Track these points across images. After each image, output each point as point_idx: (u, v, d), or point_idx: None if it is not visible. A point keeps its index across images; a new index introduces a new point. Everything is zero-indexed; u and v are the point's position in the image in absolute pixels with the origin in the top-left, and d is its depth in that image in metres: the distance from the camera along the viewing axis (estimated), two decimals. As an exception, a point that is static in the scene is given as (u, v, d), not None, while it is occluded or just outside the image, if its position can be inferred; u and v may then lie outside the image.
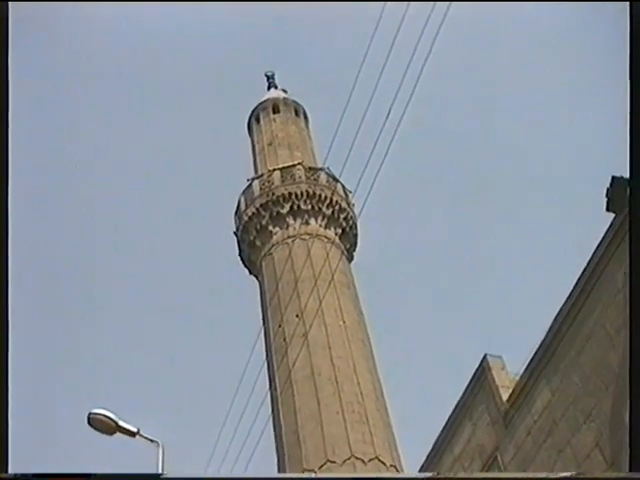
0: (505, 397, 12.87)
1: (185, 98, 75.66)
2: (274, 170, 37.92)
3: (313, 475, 21.82)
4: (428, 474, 13.34)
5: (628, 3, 7.06)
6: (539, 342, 12.23)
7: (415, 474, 12.94)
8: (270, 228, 35.74)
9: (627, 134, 9.89)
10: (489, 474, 11.45)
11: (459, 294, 72.27)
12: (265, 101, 43.54)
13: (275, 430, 29.70)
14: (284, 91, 44.33)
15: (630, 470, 7.41)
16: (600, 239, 11.22)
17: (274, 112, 42.70)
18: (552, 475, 10.30)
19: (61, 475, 5.51)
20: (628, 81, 7.05)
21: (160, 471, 14.66)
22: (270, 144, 40.88)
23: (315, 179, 37.36)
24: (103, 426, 14.93)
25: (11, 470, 6.31)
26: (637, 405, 7.26)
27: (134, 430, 15.08)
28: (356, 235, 37.17)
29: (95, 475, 5.51)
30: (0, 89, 6.06)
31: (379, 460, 27.35)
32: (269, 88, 45.18)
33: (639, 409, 7.26)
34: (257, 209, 36.41)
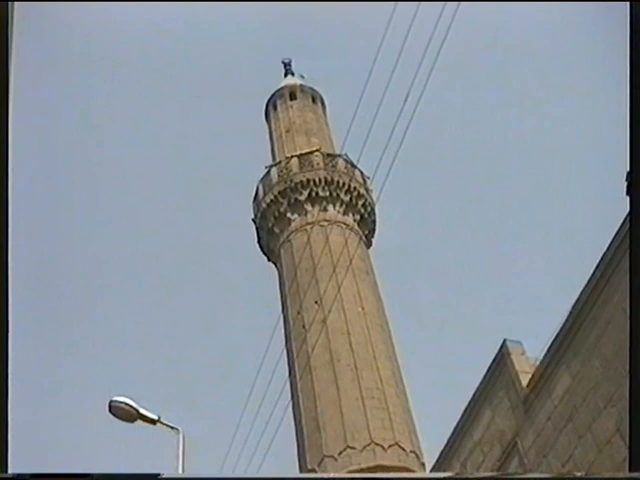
0: (525, 382, 12.85)
1: (203, 87, 75.70)
2: (292, 157, 37.91)
3: (313, 475, 21.81)
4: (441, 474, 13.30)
5: (628, 3, 7.00)
6: (559, 327, 12.19)
7: (412, 475, 12.94)
8: (288, 215, 35.75)
9: (626, 133, 9.86)
10: (495, 474, 11.39)
11: (478, 279, 72.17)
12: (282, 88, 43.49)
13: (295, 417, 29.78)
14: (302, 77, 44.27)
15: (630, 470, 7.36)
16: (620, 223, 11.16)
17: (291, 99, 42.66)
18: (555, 475, 10.25)
19: (60, 475, 5.53)
20: (628, 81, 7.00)
21: (181, 458, 14.75)
22: (287, 131, 40.86)
23: (333, 165, 37.32)
24: (124, 414, 15.03)
25: (11, 470, 6.35)
26: (637, 404, 7.22)
27: (155, 418, 15.18)
28: (374, 221, 37.14)
29: (95, 475, 5.52)
30: (1, 89, 6.07)
31: (399, 446, 27.38)
32: (286, 75, 45.13)
33: (639, 409, 7.21)
34: (275, 196, 36.42)
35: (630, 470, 7.38)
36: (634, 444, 7.24)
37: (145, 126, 75.09)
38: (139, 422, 15.20)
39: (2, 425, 6.19)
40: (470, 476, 10.78)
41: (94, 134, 69.67)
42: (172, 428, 15.23)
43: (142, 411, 15.13)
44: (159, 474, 5.44)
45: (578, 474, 9.21)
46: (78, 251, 70.39)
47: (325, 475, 20.27)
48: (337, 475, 22.40)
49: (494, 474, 9.25)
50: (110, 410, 15.07)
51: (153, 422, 15.20)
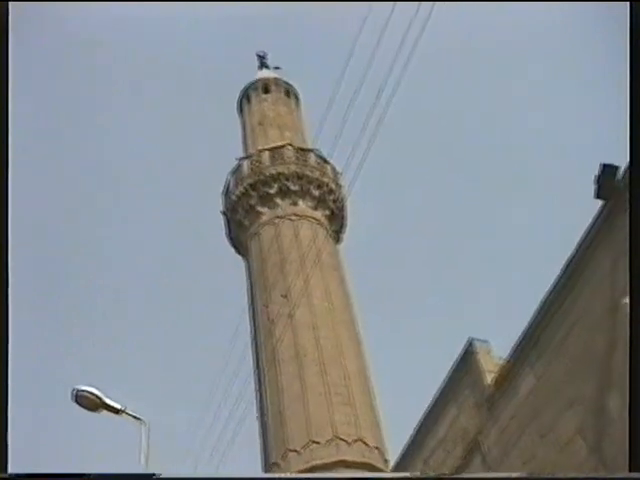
0: (490, 381, 12.94)
1: (178, 78, 75.28)
2: (263, 150, 37.84)
3: (312, 475, 21.84)
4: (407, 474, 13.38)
5: (628, 3, 7.07)
6: (525, 327, 12.29)
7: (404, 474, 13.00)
8: (258, 208, 35.69)
9: (625, 133, 9.99)
10: (494, 474, 11.48)
11: (447, 278, 72.48)
12: (256, 81, 43.39)
13: (260, 410, 29.79)
14: (277, 69, 44.17)
15: (630, 470, 7.45)
16: (589, 226, 11.26)
17: (265, 92, 42.57)
18: (557, 475, 10.36)
19: (57, 475, 5.54)
20: (628, 81, 7.08)
21: (144, 449, 14.72)
22: (260, 124, 40.78)
23: (305, 160, 37.30)
24: (88, 403, 14.98)
25: (11, 470, 6.34)
26: (637, 404, 7.30)
27: (119, 407, 15.13)
28: (344, 217, 37.18)
29: (91, 475, 5.55)
30: (0, 88, 6.07)
31: (363, 442, 27.45)
32: (261, 68, 45.04)
33: (638, 408, 7.29)
34: (246, 189, 36.34)
35: (630, 470, 7.48)
36: (634, 444, 7.32)
37: (123, 116, 74.51)
38: (104, 412, 15.15)
39: (2, 425, 6.19)
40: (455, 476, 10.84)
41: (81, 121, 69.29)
42: (137, 419, 15.19)
43: (107, 401, 15.08)
44: (154, 474, 5.46)
45: (578, 474, 9.32)
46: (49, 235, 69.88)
47: (323, 475, 20.33)
48: (336, 475, 22.42)
49: (494, 474, 9.26)
50: (74, 399, 15.00)
51: (118, 412, 15.15)
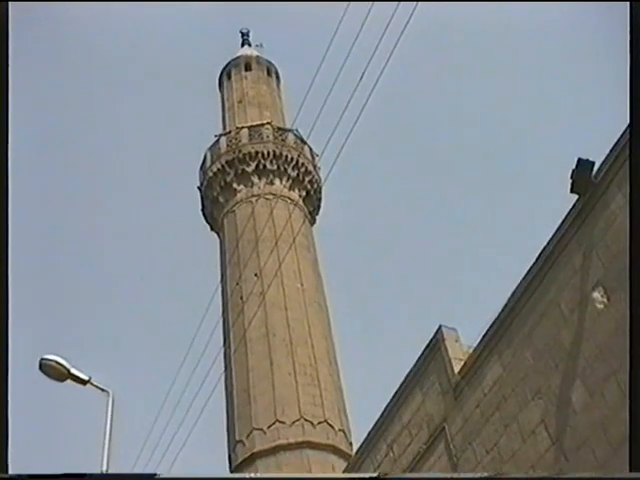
0: (457, 369, 13.01)
1: (161, 52, 74.74)
2: (242, 128, 37.73)
3: (310, 475, 21.85)
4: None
5: (628, 3, 7.09)
6: (494, 317, 12.36)
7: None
8: (234, 185, 35.62)
9: (622, 134, 10.05)
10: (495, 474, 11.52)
11: (420, 265, 72.71)
12: (237, 58, 43.20)
13: (226, 387, 29.80)
14: (259, 46, 43.98)
15: (630, 470, 7.52)
16: (562, 220, 11.33)
17: (246, 70, 42.40)
18: (556, 475, 10.42)
19: (57, 476, 5.54)
20: (628, 81, 7.11)
21: (109, 420, 14.70)
22: (240, 102, 40.64)
23: (283, 140, 37.24)
24: (55, 372, 14.92)
25: (11, 470, 6.34)
26: (637, 403, 7.36)
27: (85, 378, 15.09)
28: (320, 199, 37.19)
29: (90, 475, 5.56)
30: (0, 87, 6.02)
31: (328, 423, 27.57)
32: (243, 45, 44.85)
33: (639, 407, 7.35)
34: (223, 165, 36.25)
35: (630, 470, 7.54)
36: (634, 444, 7.38)
37: (111, 97, 74.13)
38: (70, 382, 15.10)
39: (2, 425, 6.17)
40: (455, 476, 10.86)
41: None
42: (102, 390, 15.16)
43: (73, 371, 15.03)
44: (155, 474, 5.47)
45: (578, 474, 9.39)
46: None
47: (323, 475, 20.39)
48: (336, 475, 22.46)
49: (492, 474, 9.29)
50: (40, 368, 14.94)
51: (83, 382, 15.11)
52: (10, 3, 6.33)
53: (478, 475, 9.91)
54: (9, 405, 6.37)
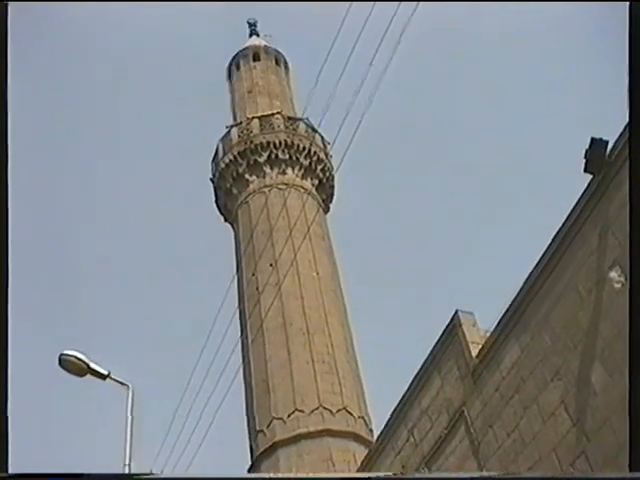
0: (475, 353, 13.00)
1: (169, 45, 74.73)
2: (253, 118, 37.72)
3: (312, 475, 21.88)
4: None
5: (628, 3, 7.05)
6: (511, 300, 12.33)
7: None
8: (247, 176, 35.63)
9: (624, 133, 9.99)
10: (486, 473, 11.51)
11: (434, 249, 72.60)
12: (246, 48, 43.18)
13: (245, 378, 29.87)
14: (267, 36, 43.96)
15: (630, 470, 7.50)
16: (577, 200, 11.28)
17: (254, 60, 42.38)
18: (556, 475, 10.41)
19: (57, 475, 5.57)
20: (627, 81, 7.07)
21: (130, 414, 14.76)
22: (250, 92, 40.62)
23: (294, 129, 37.21)
24: (74, 368, 14.98)
25: (11, 470, 6.36)
26: (637, 402, 7.33)
27: (105, 373, 15.15)
28: (333, 187, 37.16)
29: (89, 475, 5.57)
30: (0, 86, 6.04)
31: (347, 411, 27.61)
32: (251, 35, 44.81)
33: (638, 407, 7.32)
34: (235, 156, 36.25)
35: (630, 470, 7.52)
36: (634, 444, 7.36)
37: (118, 88, 74.17)
38: (89, 377, 15.16)
39: (2, 425, 6.19)
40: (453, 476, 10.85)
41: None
42: (122, 384, 15.22)
43: (92, 365, 15.09)
44: (155, 474, 5.50)
45: (578, 474, 9.38)
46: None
47: (323, 475, 20.41)
48: (337, 475, 22.50)
49: (494, 474, 9.28)
50: (60, 364, 15.01)
51: (103, 377, 15.17)
52: (10, 3, 6.35)
53: (478, 475, 9.93)
54: (9, 405, 6.39)
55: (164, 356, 63.03)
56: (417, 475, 12.83)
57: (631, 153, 8.14)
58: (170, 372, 52.75)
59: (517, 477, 9.24)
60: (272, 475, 23.07)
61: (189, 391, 24.00)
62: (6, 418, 6.35)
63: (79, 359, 14.98)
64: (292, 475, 21.49)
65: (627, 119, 7.81)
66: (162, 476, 5.59)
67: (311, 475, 19.70)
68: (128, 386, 15.11)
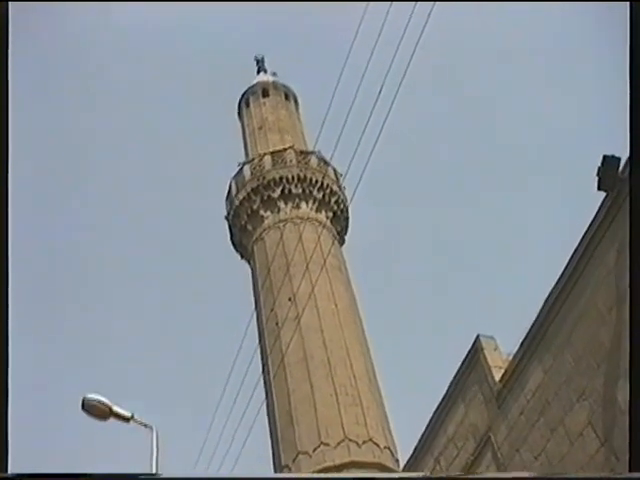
0: (498, 377, 12.93)
1: (177, 84, 75.35)
2: (265, 154, 37.89)
3: (314, 475, 21.80)
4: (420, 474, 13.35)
5: (628, 3, 7.08)
6: (531, 322, 12.28)
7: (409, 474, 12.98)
8: (261, 212, 35.73)
9: (625, 134, 9.97)
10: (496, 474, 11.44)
11: (452, 275, 72.45)
12: (254, 85, 43.47)
13: (269, 414, 29.77)
14: (274, 74, 44.27)
15: (630, 470, 7.44)
16: (592, 219, 11.26)
17: (264, 96, 42.64)
18: (555, 475, 10.34)
19: (58, 475, 5.54)
20: (628, 81, 7.07)
21: (155, 456, 14.69)
22: (260, 128, 40.84)
23: (306, 163, 37.34)
24: (97, 411, 14.94)
25: (11, 470, 6.34)
26: (637, 403, 7.28)
27: (128, 415, 15.10)
28: (347, 218, 37.20)
29: (90, 475, 5.55)
30: (0, 86, 6.09)
31: (373, 442, 27.45)
32: (259, 72, 45.12)
33: (639, 408, 7.27)
34: (248, 193, 36.38)
35: (630, 470, 7.46)
36: (634, 444, 7.31)
37: (124, 121, 74.67)
38: (112, 420, 15.13)
39: (2, 425, 6.19)
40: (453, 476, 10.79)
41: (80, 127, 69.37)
42: (145, 426, 15.16)
43: (115, 408, 15.05)
44: (155, 474, 5.49)
45: (579, 475, 9.29)
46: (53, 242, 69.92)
47: (324, 475, 20.30)
48: (340, 475, 22.36)
49: (502, 474, 9.23)
50: (83, 407, 14.98)
51: (127, 420, 15.12)
52: (10, 3, 6.40)
53: (481, 476, 9.86)
54: (9, 405, 6.38)
55: (188, 396, 62.93)
56: (417, 475, 12.72)
57: (632, 151, 8.11)
58: (194, 411, 52.59)
59: (517, 477, 9.17)
60: (273, 475, 22.92)
61: (213, 429, 23.95)
62: (6, 419, 6.34)
63: (102, 402, 14.95)
64: (292, 475, 21.36)
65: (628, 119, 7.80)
66: (164, 476, 5.56)
67: (311, 475, 19.57)
68: (152, 428, 15.06)
